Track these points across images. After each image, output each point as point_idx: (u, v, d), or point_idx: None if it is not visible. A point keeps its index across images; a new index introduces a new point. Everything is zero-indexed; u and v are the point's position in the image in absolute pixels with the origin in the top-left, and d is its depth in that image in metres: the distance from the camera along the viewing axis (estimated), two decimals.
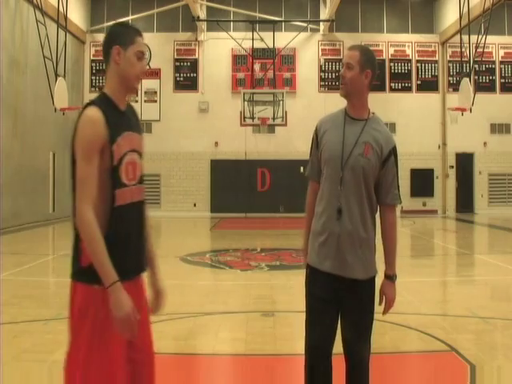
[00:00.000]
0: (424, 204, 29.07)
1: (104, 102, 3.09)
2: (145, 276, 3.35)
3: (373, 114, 3.78)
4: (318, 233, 3.70)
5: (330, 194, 3.66)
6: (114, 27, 3.26)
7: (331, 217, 3.63)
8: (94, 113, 3.00)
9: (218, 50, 28.91)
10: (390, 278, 3.72)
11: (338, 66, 29.22)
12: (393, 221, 3.73)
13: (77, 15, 27.10)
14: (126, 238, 3.10)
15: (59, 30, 22.56)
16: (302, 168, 23.99)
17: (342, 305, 3.69)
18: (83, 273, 3.00)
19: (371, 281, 3.73)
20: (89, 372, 2.95)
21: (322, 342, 3.69)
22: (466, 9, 22.04)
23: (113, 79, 3.15)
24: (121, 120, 3.12)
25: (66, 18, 23.19)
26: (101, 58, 25.92)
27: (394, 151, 3.69)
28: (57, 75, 22.02)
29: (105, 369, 2.97)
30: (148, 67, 28.65)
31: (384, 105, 28.74)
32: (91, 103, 3.06)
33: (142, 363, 3.25)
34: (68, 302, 3.07)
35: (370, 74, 3.69)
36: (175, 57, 29.11)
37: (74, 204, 3.01)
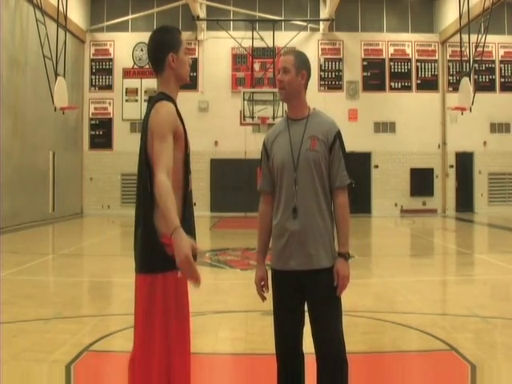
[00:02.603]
0: (424, 203, 29.07)
1: (170, 99, 3.38)
2: None
3: (313, 109, 3.93)
4: (279, 236, 3.82)
5: (285, 198, 3.79)
6: (160, 34, 3.47)
7: (288, 217, 3.76)
8: (169, 104, 3.31)
9: (217, 50, 28.90)
10: (343, 255, 3.78)
11: (338, 66, 29.23)
12: (343, 202, 3.82)
13: (77, 14, 27.08)
14: (193, 223, 3.48)
15: (59, 29, 22.53)
16: None
17: (309, 299, 3.78)
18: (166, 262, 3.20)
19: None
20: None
21: (291, 343, 3.82)
22: (465, 8, 22.03)
23: (170, 81, 3.44)
24: (181, 116, 3.43)
25: (65, 17, 23.15)
26: (101, 56, 25.89)
27: (338, 135, 3.83)
28: (56, 74, 21.99)
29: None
30: (148, 66, 28.66)
31: (384, 104, 28.79)
32: (162, 99, 3.34)
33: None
34: (143, 297, 3.30)
35: (305, 75, 3.88)
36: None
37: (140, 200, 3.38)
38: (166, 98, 3.35)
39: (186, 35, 28.88)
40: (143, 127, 3.34)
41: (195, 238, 3.38)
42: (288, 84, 3.84)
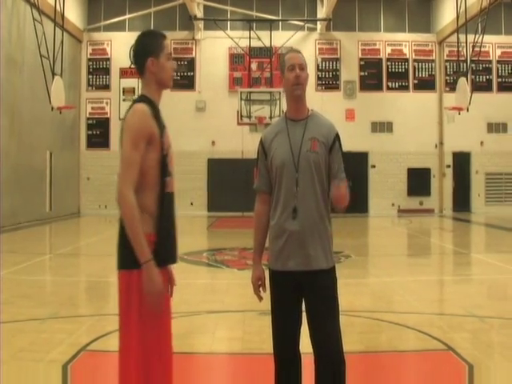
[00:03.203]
0: (421, 203, 29.10)
1: (147, 101, 3.43)
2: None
3: (311, 110, 3.94)
4: (278, 236, 3.82)
5: (285, 198, 3.78)
6: (142, 38, 3.55)
7: (288, 217, 3.76)
8: (143, 107, 3.35)
9: (215, 49, 28.90)
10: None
11: (335, 65, 29.25)
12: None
13: (74, 14, 27.06)
14: (172, 225, 3.44)
15: (56, 28, 22.51)
16: None
17: (307, 299, 3.79)
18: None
19: (332, 270, 3.83)
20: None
21: (289, 343, 3.82)
22: (462, 8, 22.08)
23: (150, 85, 3.50)
24: (161, 118, 3.47)
25: (62, 16, 23.14)
26: (98, 56, 25.92)
27: (337, 137, 3.87)
28: (54, 74, 21.99)
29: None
30: None
31: (381, 104, 28.81)
32: (138, 101, 3.40)
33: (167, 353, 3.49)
34: (124, 294, 3.31)
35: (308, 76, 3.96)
36: (172, 55, 28.97)
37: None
38: (144, 100, 3.40)
39: (183, 35, 28.94)
40: (121, 128, 3.38)
41: (176, 241, 3.47)
42: (305, 80, 3.87)
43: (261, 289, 3.97)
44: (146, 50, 3.46)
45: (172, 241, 3.41)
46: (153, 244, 3.25)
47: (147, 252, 3.17)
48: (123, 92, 28.46)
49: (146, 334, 3.24)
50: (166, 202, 3.35)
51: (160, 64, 3.47)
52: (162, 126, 3.40)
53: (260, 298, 3.97)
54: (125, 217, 3.20)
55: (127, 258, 3.24)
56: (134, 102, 3.42)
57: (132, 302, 3.25)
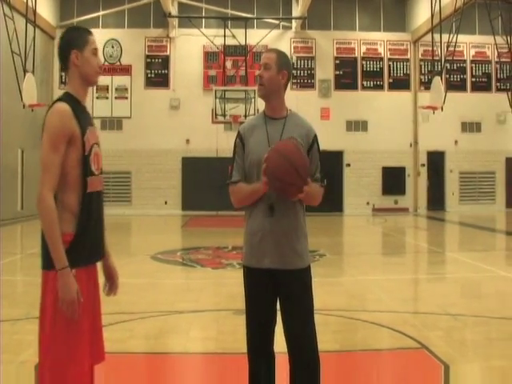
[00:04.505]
0: (395, 202, 29.29)
1: (70, 99, 3.37)
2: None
3: (290, 110, 3.95)
4: (253, 233, 3.81)
5: (262, 195, 3.74)
6: (67, 33, 3.49)
7: (264, 214, 3.75)
8: (63, 106, 3.30)
9: (189, 47, 28.82)
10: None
11: (310, 64, 29.33)
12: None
13: (46, 10, 26.81)
14: (95, 224, 3.38)
15: (28, 24, 22.29)
16: None
17: (282, 297, 3.79)
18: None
19: (308, 269, 3.84)
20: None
21: (263, 342, 3.83)
22: (437, 8, 22.24)
23: (75, 80, 3.45)
24: (85, 115, 3.45)
25: (34, 12, 22.92)
26: None
27: (315, 139, 3.87)
28: (25, 71, 21.76)
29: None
30: (119, 63, 28.50)
31: (356, 103, 28.95)
32: (59, 100, 3.34)
33: (96, 355, 3.45)
34: (43, 293, 3.28)
35: (286, 75, 3.90)
36: (146, 53, 28.96)
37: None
38: (66, 98, 3.35)
39: (157, 32, 28.83)
40: (42, 129, 3.35)
41: (99, 240, 3.45)
42: (267, 81, 3.86)
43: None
44: (69, 43, 3.41)
45: (93, 240, 3.37)
46: (70, 243, 3.22)
47: (63, 258, 3.16)
48: (96, 89, 28.22)
49: (58, 338, 3.18)
50: (86, 202, 3.30)
51: (84, 57, 3.42)
52: (85, 125, 3.36)
53: None
54: (43, 221, 3.18)
55: (47, 258, 3.23)
56: (54, 100, 3.37)
57: (47, 303, 3.23)
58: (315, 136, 3.87)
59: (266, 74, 3.86)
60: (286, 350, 3.77)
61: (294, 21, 29.16)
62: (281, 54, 3.94)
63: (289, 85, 4.06)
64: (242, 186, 3.85)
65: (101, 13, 28.63)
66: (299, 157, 3.62)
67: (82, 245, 3.27)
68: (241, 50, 27.59)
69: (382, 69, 29.65)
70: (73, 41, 3.41)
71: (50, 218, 3.16)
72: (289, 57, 4.07)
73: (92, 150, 3.38)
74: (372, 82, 29.54)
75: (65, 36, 3.46)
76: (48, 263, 3.23)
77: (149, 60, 28.98)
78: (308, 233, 3.90)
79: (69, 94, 3.40)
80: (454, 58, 24.10)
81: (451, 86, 26.50)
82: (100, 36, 28.45)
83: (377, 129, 28.91)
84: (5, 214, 22.41)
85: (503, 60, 26.18)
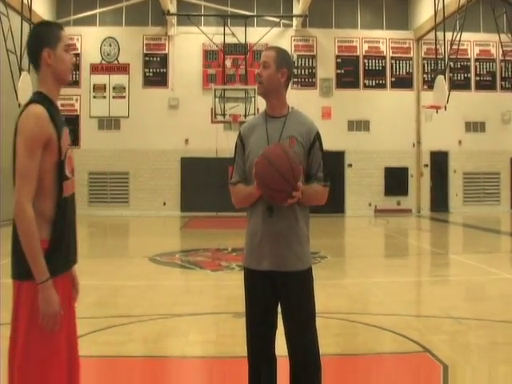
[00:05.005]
0: (398, 203, 29.28)
1: (45, 101, 3.23)
2: None
3: (291, 108, 3.96)
4: (253, 233, 3.82)
5: (261, 196, 3.75)
6: (37, 29, 3.34)
7: (263, 216, 3.76)
8: (39, 109, 3.15)
9: (188, 45, 28.81)
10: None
11: (311, 63, 29.33)
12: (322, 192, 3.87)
13: (42, 7, 26.77)
14: (71, 228, 3.32)
15: (23, 22, 22.29)
16: None
17: (282, 300, 3.79)
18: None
19: (309, 271, 3.83)
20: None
21: (264, 345, 3.83)
22: (441, 5, 22.24)
23: (47, 79, 3.29)
24: (59, 116, 3.30)
25: (30, 9, 22.88)
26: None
27: (317, 137, 3.86)
28: (21, 69, 21.76)
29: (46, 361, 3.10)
30: (116, 62, 28.49)
31: (357, 102, 28.93)
32: (32, 101, 3.19)
33: (73, 362, 3.34)
34: (15, 304, 3.17)
35: (285, 73, 3.89)
36: (144, 52, 28.95)
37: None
38: (40, 99, 3.22)
39: (155, 30, 28.83)
40: (15, 132, 3.23)
41: (75, 245, 3.39)
42: (266, 79, 3.86)
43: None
44: (41, 41, 3.24)
45: (69, 245, 3.29)
46: (47, 251, 3.12)
47: (45, 271, 3.05)
48: (93, 88, 28.25)
49: (32, 355, 3.08)
50: (62, 208, 3.21)
51: (57, 56, 3.25)
52: (60, 127, 3.23)
53: None
54: (23, 233, 3.05)
55: (18, 268, 3.13)
56: (27, 101, 3.22)
57: (19, 315, 3.13)
58: (317, 134, 3.86)
59: (265, 72, 3.86)
60: (287, 353, 3.78)
61: (294, 19, 29.14)
62: (280, 52, 3.94)
63: (290, 83, 4.05)
64: (240, 188, 3.87)
65: (98, 10, 28.61)
66: (285, 162, 3.59)
67: (59, 251, 3.18)
68: (241, 49, 27.59)
69: (384, 67, 29.63)
70: (44, 38, 3.25)
71: (30, 229, 3.04)
72: (290, 54, 4.05)
73: (67, 153, 3.26)
74: (374, 81, 29.53)
75: (35, 33, 3.31)
76: (21, 273, 3.11)
77: (147, 58, 28.96)
78: (309, 234, 3.90)
79: (42, 95, 3.27)
80: (458, 57, 24.04)
81: (455, 85, 26.52)
82: (97, 34, 28.53)
83: (379, 128, 28.90)
84: (4, 215, 22.37)
85: (508, 58, 26.23)
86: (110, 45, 28.44)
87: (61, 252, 3.20)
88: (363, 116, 29.07)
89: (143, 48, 28.92)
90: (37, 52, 3.26)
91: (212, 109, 24.55)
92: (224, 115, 24.38)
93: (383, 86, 29.53)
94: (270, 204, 3.73)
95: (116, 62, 28.54)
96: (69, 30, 28.61)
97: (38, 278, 3.04)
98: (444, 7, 22.14)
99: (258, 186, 3.64)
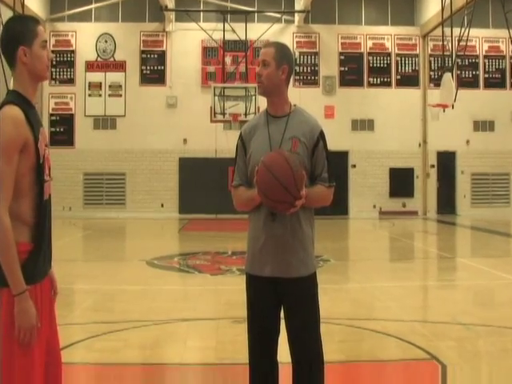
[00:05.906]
0: (404, 205, 29.26)
1: (20, 101, 3.16)
2: None
3: (294, 105, 3.94)
4: (255, 238, 3.81)
5: None
6: (11, 24, 3.22)
7: (266, 220, 3.74)
8: (15, 111, 3.09)
9: (187, 42, 28.82)
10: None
11: (313, 60, 29.34)
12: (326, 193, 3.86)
13: (35, 2, 26.75)
14: (49, 232, 3.27)
15: None
16: None
17: (285, 306, 3.79)
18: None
19: (313, 276, 3.83)
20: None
21: (265, 351, 3.82)
22: (448, 0, 22.25)
23: (23, 78, 3.22)
24: (36, 116, 3.22)
25: (22, 5, 22.85)
26: (61, 48, 25.55)
27: (321, 136, 3.83)
28: None
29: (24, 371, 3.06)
30: (112, 59, 28.51)
31: (362, 100, 28.94)
32: (8, 102, 3.14)
33: (54, 364, 3.33)
34: None
35: (286, 70, 3.86)
36: (141, 48, 28.95)
37: None
38: (16, 100, 3.15)
39: (153, 26, 28.86)
40: None
41: (51, 249, 3.35)
42: (266, 78, 3.83)
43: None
44: (16, 37, 3.13)
45: (47, 249, 3.25)
46: (28, 254, 3.08)
47: (22, 282, 3.00)
48: (89, 87, 28.26)
49: (10, 361, 3.04)
50: (43, 210, 3.17)
51: (33, 53, 3.15)
52: (37, 129, 3.14)
53: None
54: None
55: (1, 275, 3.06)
56: (2, 102, 3.15)
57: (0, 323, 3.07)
58: (321, 132, 3.83)
59: (265, 71, 3.83)
60: (290, 359, 3.78)
61: (296, 14, 29.15)
62: (279, 47, 3.91)
63: (291, 82, 4.04)
64: (242, 191, 3.86)
65: (93, 5, 28.61)
66: (287, 173, 3.54)
67: (41, 255, 3.15)
68: (241, 45, 27.57)
69: (389, 65, 29.63)
70: (20, 35, 3.14)
71: (7, 239, 2.98)
72: (289, 48, 4.04)
73: (44, 155, 3.18)
74: (379, 79, 29.52)
75: (9, 29, 3.19)
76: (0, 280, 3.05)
77: (144, 55, 28.97)
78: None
79: (18, 94, 3.19)
80: (466, 53, 24.10)
81: (463, 83, 26.55)
82: (92, 30, 28.55)
83: (384, 128, 28.88)
84: None
85: None
86: (106, 41, 28.45)
87: (40, 257, 3.17)
88: (367, 115, 29.07)
89: (140, 45, 28.93)
90: (12, 50, 3.16)
91: (211, 107, 24.53)
92: (224, 114, 24.35)
93: (388, 84, 29.53)
94: None
95: (112, 59, 28.55)
96: (63, 26, 28.71)
97: (14, 290, 3.01)
98: (451, 2, 22.16)
99: (259, 195, 3.63)
